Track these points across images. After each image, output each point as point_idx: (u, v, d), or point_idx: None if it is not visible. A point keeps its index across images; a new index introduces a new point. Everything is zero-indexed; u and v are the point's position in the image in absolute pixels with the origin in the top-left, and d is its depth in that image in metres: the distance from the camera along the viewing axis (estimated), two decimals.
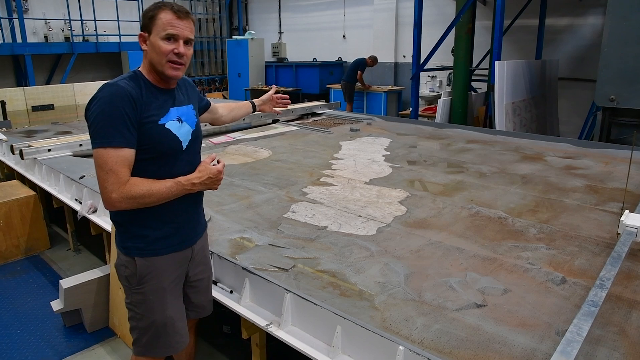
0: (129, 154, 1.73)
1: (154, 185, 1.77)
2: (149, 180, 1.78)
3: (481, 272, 2.45)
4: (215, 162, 1.92)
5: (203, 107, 2.37)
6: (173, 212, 1.92)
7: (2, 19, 10.57)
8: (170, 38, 1.79)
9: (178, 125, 1.89)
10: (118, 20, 11.41)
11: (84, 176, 3.88)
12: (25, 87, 8.76)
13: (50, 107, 8.21)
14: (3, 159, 5.38)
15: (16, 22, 10.68)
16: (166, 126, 1.84)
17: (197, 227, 2.09)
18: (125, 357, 3.12)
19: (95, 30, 11.62)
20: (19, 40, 10.71)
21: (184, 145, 1.91)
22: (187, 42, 1.83)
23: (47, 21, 11.52)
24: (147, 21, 1.80)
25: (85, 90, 8.51)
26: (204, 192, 2.08)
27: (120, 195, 1.71)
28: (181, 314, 2.07)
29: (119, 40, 11.90)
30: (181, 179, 1.84)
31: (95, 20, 11.36)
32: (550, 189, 3.80)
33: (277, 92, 2.83)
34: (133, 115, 1.73)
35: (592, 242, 2.82)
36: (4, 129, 6.37)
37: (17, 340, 3.27)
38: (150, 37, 1.80)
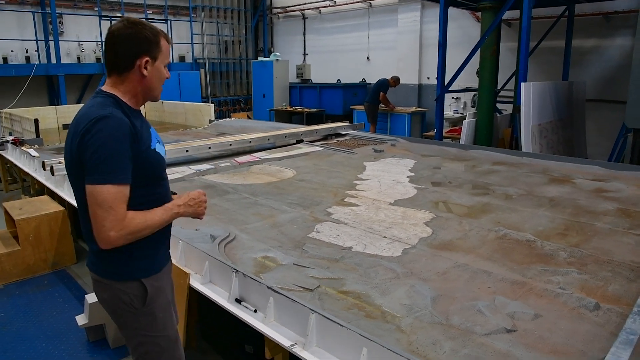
0: (127, 190, 1.68)
1: (148, 216, 1.73)
2: (142, 213, 1.72)
3: (510, 297, 2.38)
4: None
5: None
6: (165, 229, 1.91)
7: (39, 42, 11.01)
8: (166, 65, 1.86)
9: (160, 146, 1.91)
10: None
11: None
12: (57, 106, 9.06)
13: None
14: (34, 175, 5.53)
15: (52, 44, 11.11)
16: (157, 150, 1.85)
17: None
18: None
19: None
20: (53, 61, 11.12)
21: (165, 164, 1.95)
22: None
23: (81, 43, 11.95)
24: (153, 47, 1.77)
25: None
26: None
27: (119, 233, 1.64)
28: None
29: None
30: (167, 205, 1.83)
31: None
32: (580, 212, 3.70)
33: None
34: (131, 148, 1.69)
35: (626, 268, 2.73)
36: (36, 146, 6.56)
37: (42, 354, 3.31)
38: (156, 63, 1.80)
